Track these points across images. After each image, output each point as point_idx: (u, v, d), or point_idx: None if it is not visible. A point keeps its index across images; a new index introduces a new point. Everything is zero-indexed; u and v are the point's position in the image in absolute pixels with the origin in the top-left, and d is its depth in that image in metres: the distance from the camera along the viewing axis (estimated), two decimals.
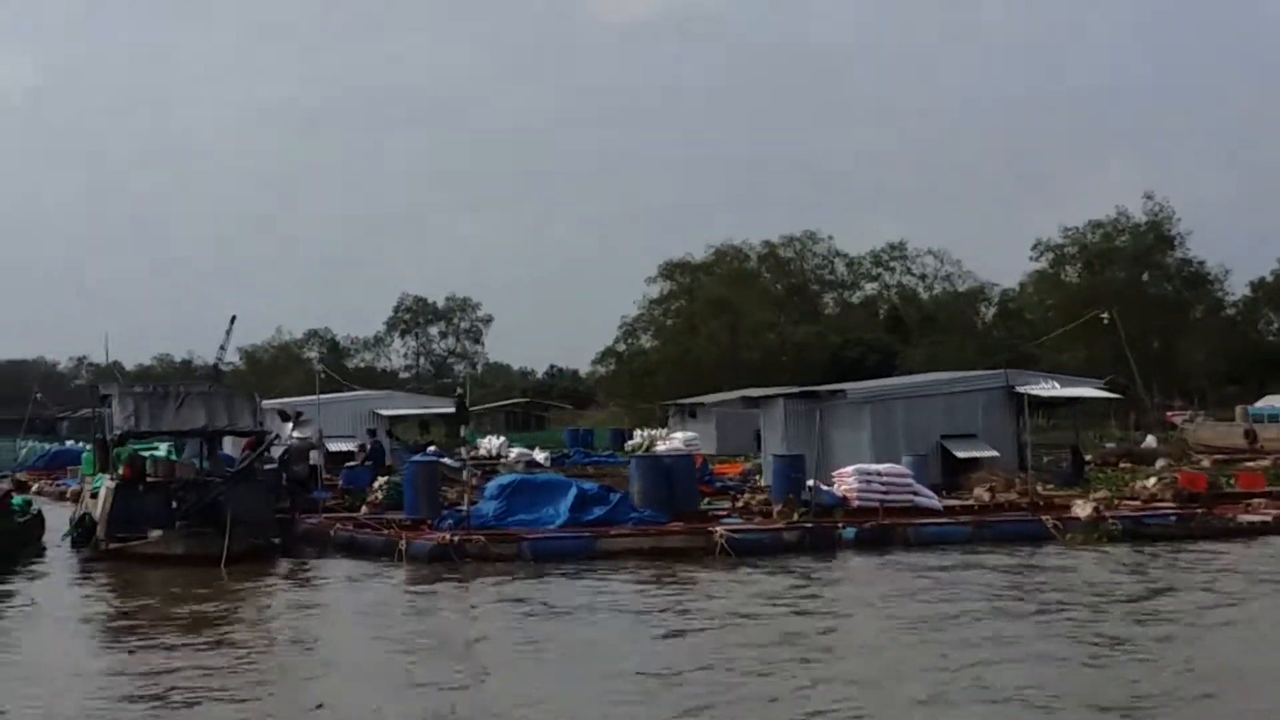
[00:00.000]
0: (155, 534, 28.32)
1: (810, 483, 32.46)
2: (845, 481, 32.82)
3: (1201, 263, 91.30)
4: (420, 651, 18.56)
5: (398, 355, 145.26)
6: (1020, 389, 41.58)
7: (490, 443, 64.54)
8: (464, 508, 30.76)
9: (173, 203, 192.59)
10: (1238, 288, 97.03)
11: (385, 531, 29.81)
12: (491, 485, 31.49)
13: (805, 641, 18.63)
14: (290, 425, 27.33)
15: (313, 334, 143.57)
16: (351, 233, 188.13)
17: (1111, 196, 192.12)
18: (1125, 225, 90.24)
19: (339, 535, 30.68)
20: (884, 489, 32.54)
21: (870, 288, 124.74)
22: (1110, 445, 57.98)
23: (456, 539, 27.37)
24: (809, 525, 29.31)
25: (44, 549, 30.74)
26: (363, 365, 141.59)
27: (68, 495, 47.76)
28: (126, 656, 18.41)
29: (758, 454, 55.00)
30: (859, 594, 23.23)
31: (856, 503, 32.23)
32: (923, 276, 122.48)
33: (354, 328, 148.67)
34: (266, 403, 34.70)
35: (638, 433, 73.96)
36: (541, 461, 55.59)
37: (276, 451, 34.06)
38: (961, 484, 37.58)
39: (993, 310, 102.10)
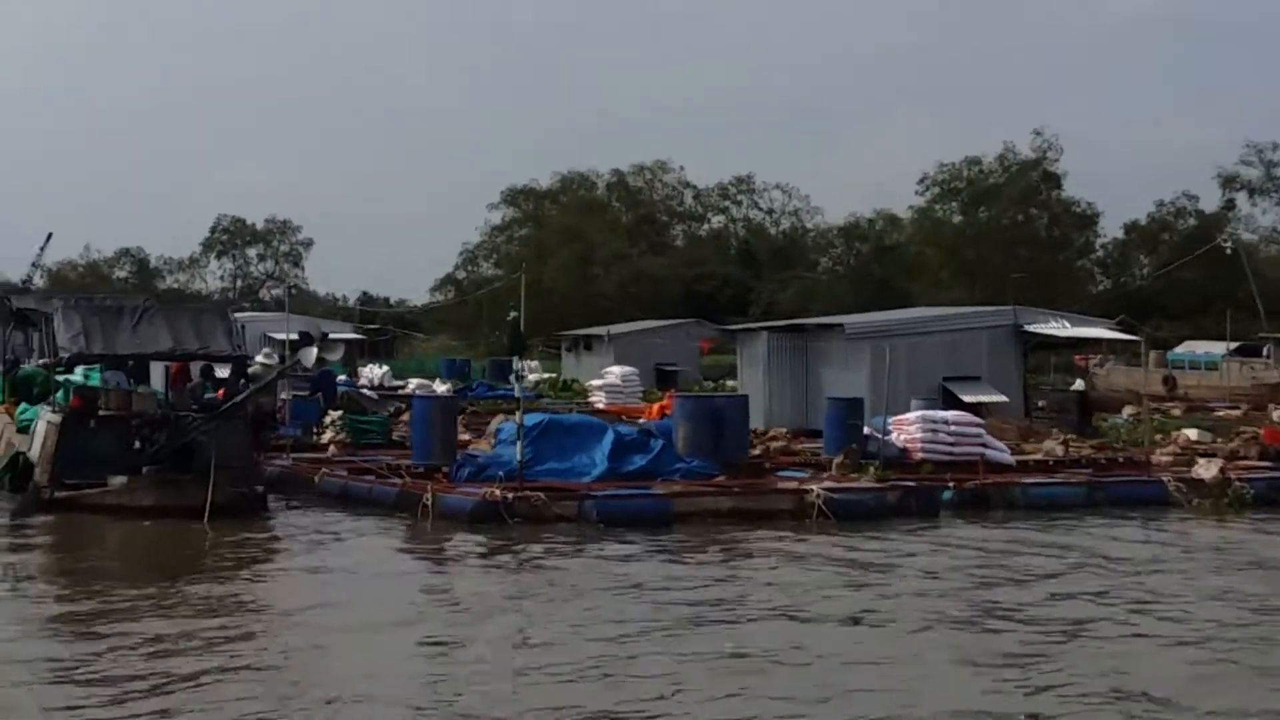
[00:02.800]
0: (117, 481, 22.71)
1: (867, 431, 28.02)
2: (906, 430, 28.35)
3: (1090, 203, 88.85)
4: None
5: (213, 277, 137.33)
6: (1029, 327, 37.67)
7: (372, 372, 59.17)
8: (479, 452, 25.74)
9: None
10: (1110, 230, 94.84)
11: (396, 481, 24.57)
12: (508, 426, 26.34)
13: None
14: (314, 350, 21.60)
15: (124, 253, 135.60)
16: (168, 151, 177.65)
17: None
18: (1011, 161, 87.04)
19: (328, 483, 25.36)
20: (951, 440, 28.17)
21: (717, 220, 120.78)
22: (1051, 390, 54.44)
23: (510, 496, 22.18)
24: (911, 485, 24.67)
25: None
26: (176, 286, 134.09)
27: None
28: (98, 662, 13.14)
29: (663, 390, 50.63)
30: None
31: (920, 455, 27.86)
32: (770, 211, 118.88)
33: (168, 248, 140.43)
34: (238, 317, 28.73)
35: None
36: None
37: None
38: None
39: (867, 246, 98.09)
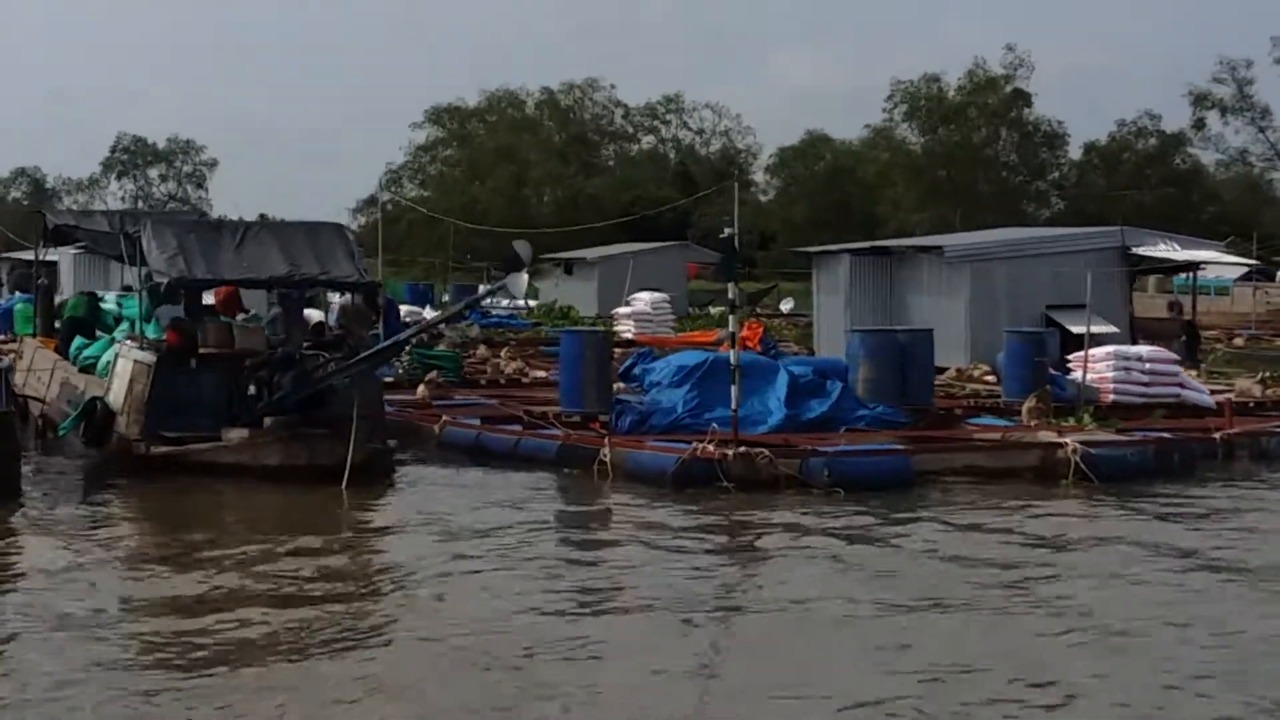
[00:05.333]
0: (236, 435, 18.49)
1: (1054, 371, 24.41)
2: (1093, 368, 24.72)
3: (1060, 121, 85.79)
4: None
5: (114, 198, 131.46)
6: (1137, 250, 34.18)
7: (336, 300, 54.43)
8: (636, 399, 21.80)
9: None
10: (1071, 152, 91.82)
11: (555, 433, 20.52)
12: (663, 365, 22.34)
13: None
14: (524, 276, 17.34)
15: (20, 173, 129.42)
16: (66, 69, 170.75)
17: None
18: (980, 79, 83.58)
19: (454, 434, 21.26)
20: (1146, 379, 24.64)
21: (648, 141, 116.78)
22: None
23: (729, 454, 18.20)
24: (1168, 436, 21.01)
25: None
26: (75, 208, 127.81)
27: None
28: None
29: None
30: None
31: (1111, 397, 24.29)
32: (700, 131, 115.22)
33: (67, 168, 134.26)
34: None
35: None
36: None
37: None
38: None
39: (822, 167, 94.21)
